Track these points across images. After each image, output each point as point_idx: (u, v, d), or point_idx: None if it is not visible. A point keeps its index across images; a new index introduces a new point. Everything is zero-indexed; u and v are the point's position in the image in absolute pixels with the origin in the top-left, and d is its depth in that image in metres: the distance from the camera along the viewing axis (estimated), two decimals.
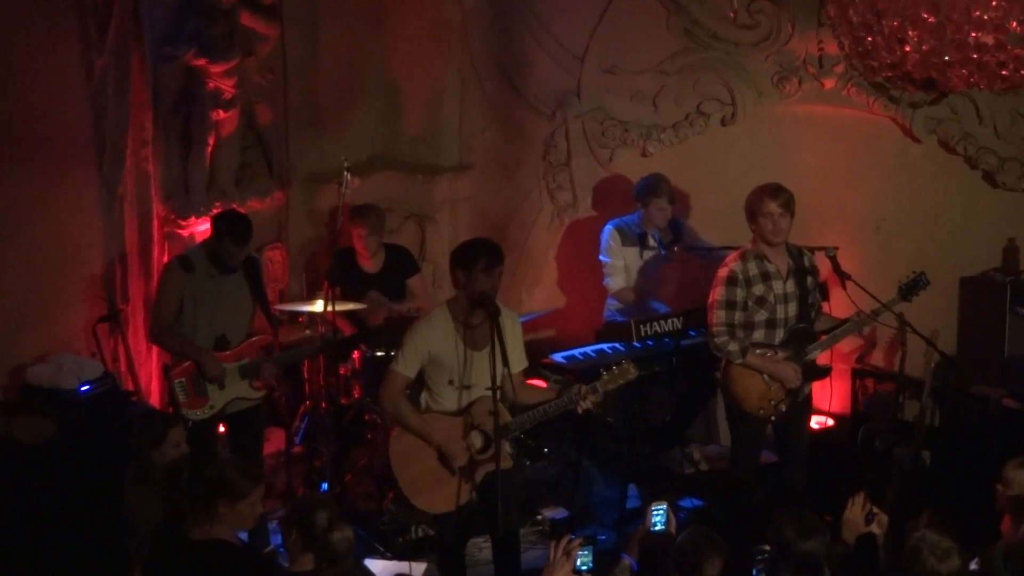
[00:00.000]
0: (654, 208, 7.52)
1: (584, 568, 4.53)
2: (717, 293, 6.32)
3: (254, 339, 6.58)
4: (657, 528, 5.06)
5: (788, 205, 6.23)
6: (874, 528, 5.01)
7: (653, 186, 7.53)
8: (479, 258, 5.44)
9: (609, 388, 5.59)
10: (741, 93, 8.04)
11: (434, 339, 5.54)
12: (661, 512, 5.10)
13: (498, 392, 5.35)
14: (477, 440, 5.59)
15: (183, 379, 6.38)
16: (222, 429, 6.74)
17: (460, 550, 5.91)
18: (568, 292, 8.77)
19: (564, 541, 4.51)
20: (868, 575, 4.88)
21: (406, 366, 5.55)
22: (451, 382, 5.55)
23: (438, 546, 6.05)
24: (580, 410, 5.55)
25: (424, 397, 5.77)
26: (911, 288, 6.43)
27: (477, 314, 5.47)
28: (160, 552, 4.91)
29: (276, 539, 6.94)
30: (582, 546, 4.51)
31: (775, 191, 6.24)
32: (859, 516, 5.00)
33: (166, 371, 6.54)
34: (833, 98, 7.81)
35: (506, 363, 5.35)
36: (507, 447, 5.60)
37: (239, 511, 4.80)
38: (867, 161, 7.83)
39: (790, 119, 8.01)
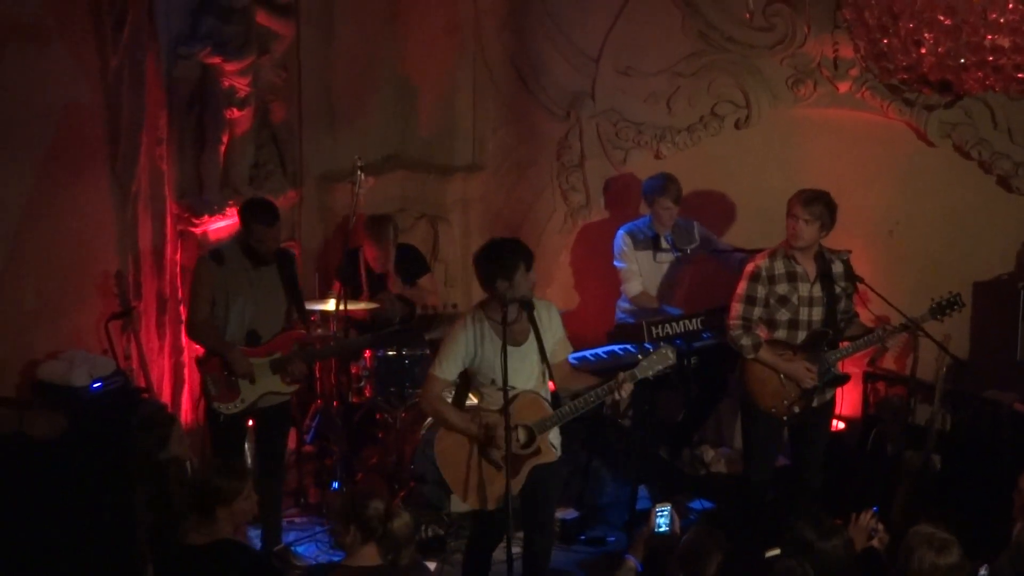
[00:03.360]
0: (659, 207, 7.51)
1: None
2: (740, 287, 6.38)
3: (287, 333, 6.56)
4: (661, 530, 5.08)
5: (819, 216, 6.22)
6: (875, 543, 5.00)
7: (659, 186, 7.52)
8: (519, 263, 5.46)
9: (648, 374, 5.64)
10: (756, 96, 8.03)
11: (472, 343, 5.57)
12: (665, 514, 5.12)
13: (512, 390, 5.38)
14: (521, 435, 5.59)
15: (215, 373, 6.41)
16: (251, 423, 6.76)
17: (491, 549, 5.87)
18: (580, 293, 8.75)
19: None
20: None
21: (444, 370, 5.61)
22: (494, 381, 5.54)
23: (470, 543, 6.00)
24: (621, 395, 5.58)
25: (473, 397, 5.83)
26: (944, 308, 6.39)
27: (512, 310, 5.48)
28: (166, 562, 5.00)
29: (287, 537, 6.97)
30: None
31: (809, 200, 6.24)
32: (864, 530, 4.99)
33: (199, 364, 6.58)
34: (847, 102, 7.82)
35: (544, 359, 5.51)
36: (551, 440, 5.64)
37: (235, 510, 4.87)
38: (881, 165, 7.83)
39: (804, 122, 8.00)
